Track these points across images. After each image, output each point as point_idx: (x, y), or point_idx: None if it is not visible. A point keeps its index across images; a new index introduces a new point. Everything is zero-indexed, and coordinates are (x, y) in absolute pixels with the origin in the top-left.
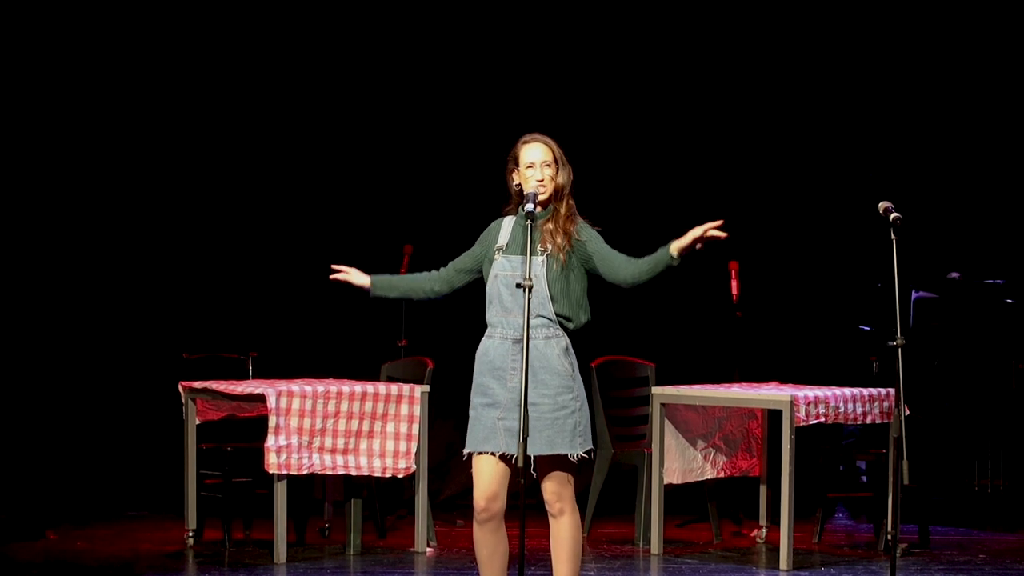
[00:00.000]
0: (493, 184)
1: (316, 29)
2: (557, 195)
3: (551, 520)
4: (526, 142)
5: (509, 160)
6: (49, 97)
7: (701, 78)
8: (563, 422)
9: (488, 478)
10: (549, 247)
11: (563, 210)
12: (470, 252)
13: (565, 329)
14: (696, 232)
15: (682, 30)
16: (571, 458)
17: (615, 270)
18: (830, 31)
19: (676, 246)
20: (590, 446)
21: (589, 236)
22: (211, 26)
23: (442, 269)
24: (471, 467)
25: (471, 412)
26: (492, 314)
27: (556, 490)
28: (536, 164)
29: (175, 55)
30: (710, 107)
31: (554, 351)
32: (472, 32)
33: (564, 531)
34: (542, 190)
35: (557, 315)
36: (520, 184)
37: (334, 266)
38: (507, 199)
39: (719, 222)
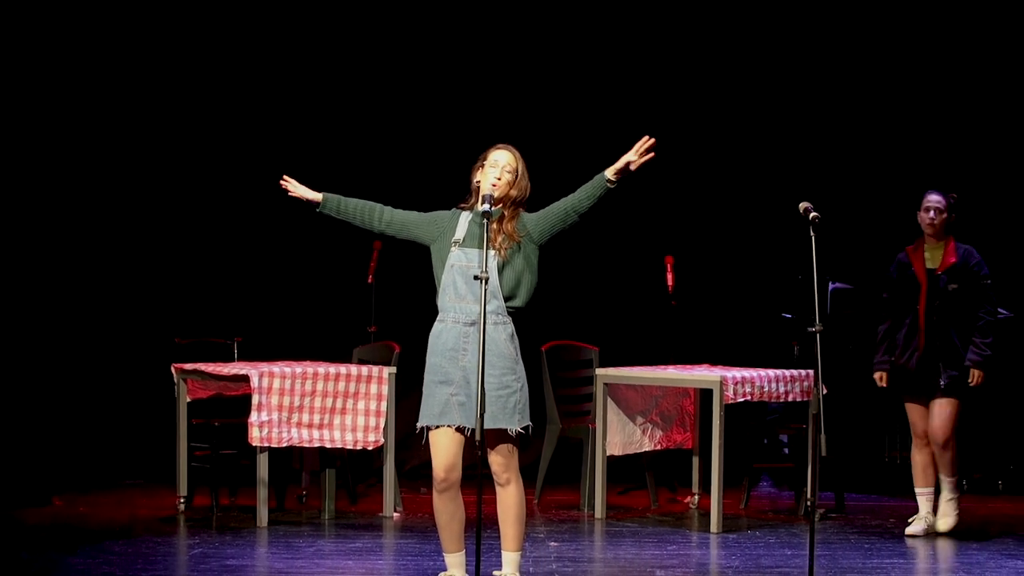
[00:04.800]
0: (459, 183)
1: (307, 29)
2: (510, 203)
3: (498, 488)
4: (498, 147)
5: (478, 159)
6: (46, 90)
7: (638, 85)
8: (505, 400)
9: (445, 451)
10: (497, 245)
11: (507, 214)
12: (422, 222)
13: (513, 311)
14: (628, 156)
15: (618, 36)
16: (510, 432)
17: (559, 216)
18: (757, 47)
19: (612, 169)
20: (528, 422)
21: (528, 220)
22: (205, 24)
23: (387, 211)
24: (425, 440)
25: (424, 390)
26: (445, 300)
27: (503, 461)
28: (498, 165)
29: (170, 51)
30: (648, 114)
31: (502, 336)
32: (444, 45)
33: (510, 498)
34: (495, 189)
35: (505, 298)
36: (479, 182)
37: (285, 177)
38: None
39: (648, 140)
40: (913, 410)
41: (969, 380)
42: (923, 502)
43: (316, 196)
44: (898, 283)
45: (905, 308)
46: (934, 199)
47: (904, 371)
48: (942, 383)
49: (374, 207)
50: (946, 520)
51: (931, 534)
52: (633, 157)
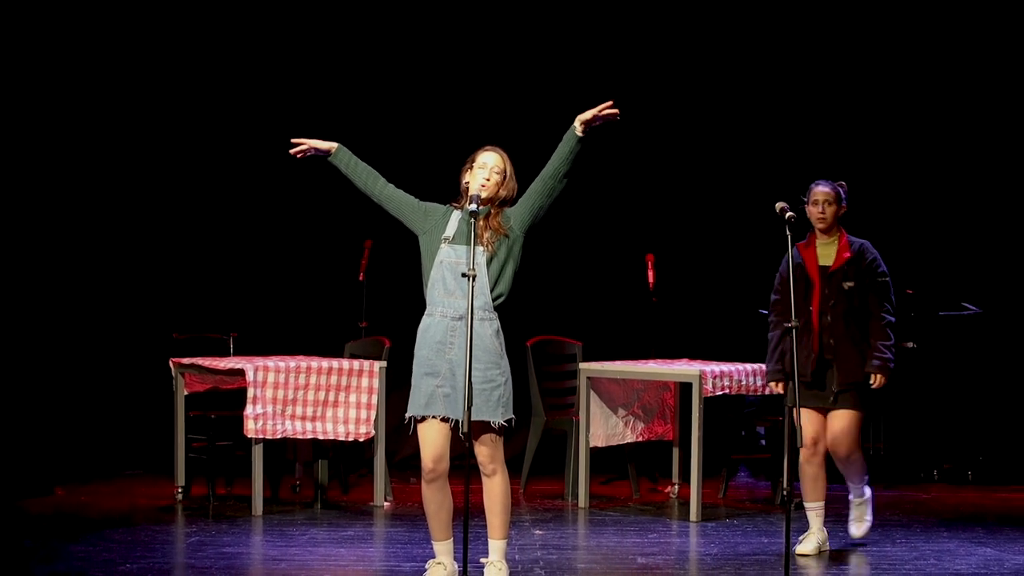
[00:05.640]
0: (449, 183)
1: (303, 31)
2: (498, 202)
3: (485, 479)
4: (486, 149)
5: (467, 161)
6: (45, 89)
7: (618, 88)
8: (489, 393)
9: (433, 443)
10: (484, 241)
11: (494, 211)
12: (416, 209)
13: (499, 306)
14: (591, 113)
15: (599, 41)
16: (493, 425)
17: (538, 191)
18: (733, 49)
19: (578, 121)
20: (511, 415)
21: (512, 212)
22: (202, 26)
23: (389, 186)
24: (412, 430)
25: (413, 381)
26: (434, 295)
27: (488, 452)
28: (487, 167)
29: (168, 51)
30: (627, 116)
31: (488, 331)
32: (436, 51)
33: (496, 488)
34: (483, 190)
35: (492, 293)
36: (468, 183)
37: (293, 140)
38: (458, 195)
39: (610, 104)
40: (803, 416)
41: (871, 382)
42: (812, 518)
43: (331, 145)
44: (789, 283)
45: (797, 310)
46: (822, 190)
47: (799, 380)
48: (835, 390)
49: (378, 176)
50: (859, 525)
51: (823, 552)
52: (599, 112)
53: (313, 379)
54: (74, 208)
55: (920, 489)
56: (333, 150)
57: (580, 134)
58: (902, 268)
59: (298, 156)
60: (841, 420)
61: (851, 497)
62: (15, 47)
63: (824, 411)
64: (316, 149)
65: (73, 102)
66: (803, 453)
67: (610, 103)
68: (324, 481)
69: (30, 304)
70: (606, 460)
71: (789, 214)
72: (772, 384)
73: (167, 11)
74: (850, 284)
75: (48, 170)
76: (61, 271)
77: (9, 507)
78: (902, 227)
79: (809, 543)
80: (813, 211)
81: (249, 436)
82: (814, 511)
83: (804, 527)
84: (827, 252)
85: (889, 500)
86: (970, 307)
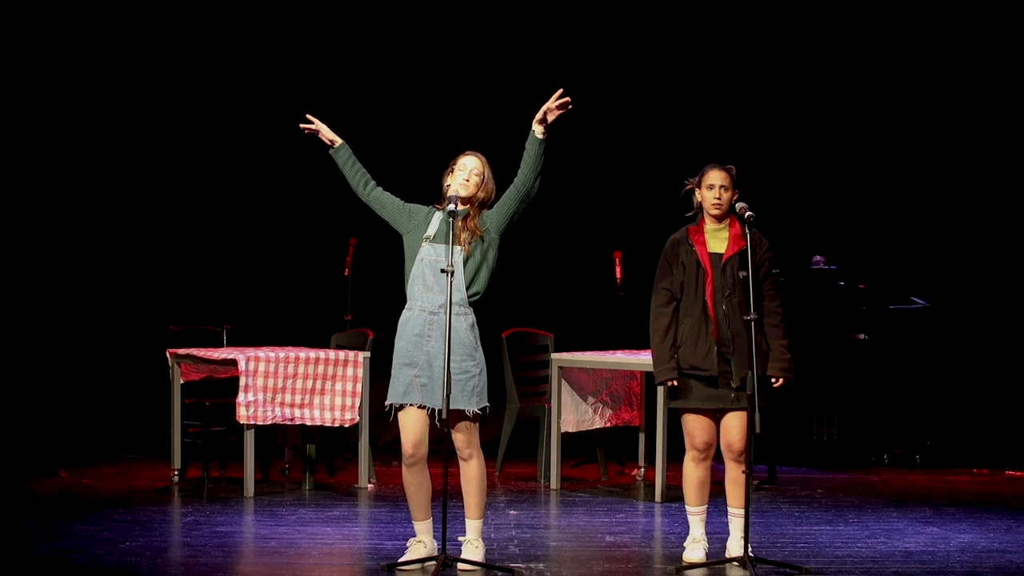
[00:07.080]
0: (432, 185)
1: (300, 31)
2: (476, 204)
3: (461, 463)
4: (466, 154)
5: (449, 164)
6: (44, 86)
7: (590, 92)
8: (464, 383)
9: (412, 429)
10: (461, 241)
11: (472, 213)
12: (401, 210)
13: (474, 302)
14: (544, 108)
15: (574, 44)
16: (468, 412)
17: (513, 199)
18: (700, 52)
19: (535, 121)
20: (485, 404)
21: (488, 215)
22: (199, 26)
23: (377, 188)
24: (392, 417)
25: (392, 371)
26: (414, 290)
27: (464, 438)
28: (467, 169)
29: (165, 49)
30: (600, 120)
31: (463, 325)
32: (423, 59)
33: (472, 471)
34: (463, 190)
35: (467, 290)
36: (449, 185)
37: (309, 116)
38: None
39: (560, 94)
40: (697, 420)
41: (773, 382)
42: (697, 523)
43: (335, 139)
44: (678, 271)
45: (689, 300)
46: (719, 173)
47: (696, 375)
48: (735, 386)
49: (370, 179)
50: (740, 543)
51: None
52: (552, 104)
53: (301, 368)
54: (78, 210)
55: (871, 472)
56: (336, 144)
57: (541, 136)
58: (855, 264)
59: (305, 131)
60: (741, 418)
61: (733, 519)
62: (13, 44)
63: (718, 411)
64: (322, 135)
65: (72, 100)
66: (694, 456)
67: (559, 92)
68: (311, 464)
69: (35, 298)
70: (576, 445)
71: (748, 213)
72: (669, 383)
73: (160, 11)
74: (745, 273)
75: (53, 170)
76: (66, 267)
77: (15, 488)
78: (856, 225)
79: (698, 551)
80: (708, 195)
81: (241, 422)
82: (699, 516)
83: (763, 507)
84: (719, 239)
85: (842, 483)
86: (919, 301)
